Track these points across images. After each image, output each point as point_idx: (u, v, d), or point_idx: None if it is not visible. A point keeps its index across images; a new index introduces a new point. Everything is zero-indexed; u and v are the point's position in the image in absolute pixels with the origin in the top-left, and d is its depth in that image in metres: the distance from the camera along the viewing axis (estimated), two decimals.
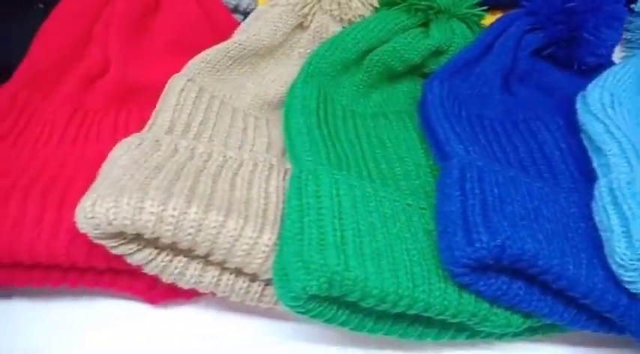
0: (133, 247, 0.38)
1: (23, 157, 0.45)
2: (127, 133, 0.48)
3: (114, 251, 0.38)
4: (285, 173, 0.44)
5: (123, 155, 0.40)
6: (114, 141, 0.47)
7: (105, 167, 0.40)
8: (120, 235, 0.37)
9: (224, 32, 0.56)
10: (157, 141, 0.41)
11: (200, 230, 0.36)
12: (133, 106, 0.51)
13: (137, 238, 0.37)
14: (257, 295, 0.40)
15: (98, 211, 0.34)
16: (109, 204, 0.35)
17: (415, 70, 0.53)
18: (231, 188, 0.40)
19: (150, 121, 0.45)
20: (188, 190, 0.37)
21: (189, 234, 0.36)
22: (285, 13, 0.50)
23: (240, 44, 0.49)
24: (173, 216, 0.35)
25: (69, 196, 0.42)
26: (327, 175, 0.38)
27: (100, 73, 0.52)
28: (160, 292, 0.44)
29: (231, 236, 0.36)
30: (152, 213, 0.35)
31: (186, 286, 0.40)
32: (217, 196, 0.39)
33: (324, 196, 0.36)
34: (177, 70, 0.50)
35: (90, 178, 0.42)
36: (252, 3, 0.58)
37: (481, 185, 0.36)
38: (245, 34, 0.49)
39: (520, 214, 0.36)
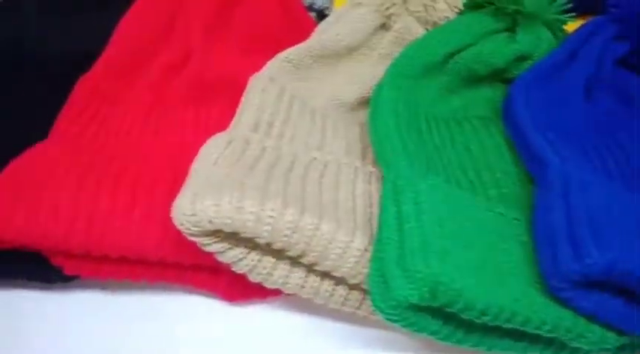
0: (225, 245, 0.37)
1: (107, 147, 0.46)
2: (206, 128, 0.49)
3: (206, 249, 0.38)
4: (370, 177, 0.43)
5: (214, 153, 0.39)
6: (195, 134, 0.48)
7: (197, 164, 0.39)
8: (214, 233, 0.36)
9: (300, 30, 0.55)
10: (246, 140, 0.41)
11: (295, 232, 0.35)
12: (211, 99, 0.51)
13: (230, 236, 0.37)
14: (341, 299, 0.40)
15: (199, 208, 0.34)
16: (209, 202, 0.34)
17: (496, 76, 0.52)
18: (320, 190, 0.40)
19: (234, 119, 0.44)
20: (282, 191, 0.37)
21: (285, 235, 0.35)
22: (369, 14, 0.49)
23: (322, 44, 0.48)
24: (271, 217, 0.35)
25: (157, 190, 0.42)
26: (425, 181, 0.37)
27: (181, 65, 0.52)
28: (238, 291, 0.44)
29: (325, 239, 0.36)
30: (252, 212, 0.34)
31: (272, 287, 0.39)
32: (308, 197, 0.38)
33: (424, 202, 0.35)
34: (255, 66, 0.50)
35: (176, 173, 0.43)
36: (327, 2, 0.58)
37: (586, 197, 0.35)
38: (327, 33, 0.49)
39: (628, 228, 0.34)
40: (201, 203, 0.34)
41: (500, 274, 0.35)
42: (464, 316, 0.34)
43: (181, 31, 0.53)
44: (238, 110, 0.45)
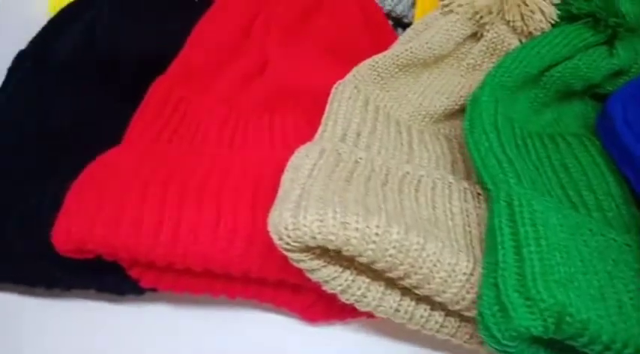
0: (319, 262, 0.35)
1: (184, 157, 0.44)
2: (284, 137, 0.47)
3: (298, 265, 0.35)
4: (465, 193, 0.40)
5: (307, 164, 0.37)
6: (272, 144, 0.46)
7: (290, 175, 0.37)
8: (311, 250, 0.34)
9: (381, 38, 0.53)
10: (338, 151, 0.39)
11: (401, 252, 0.33)
12: (289, 109, 0.49)
13: (324, 253, 0.35)
14: (437, 326, 0.37)
15: (302, 223, 0.32)
16: (313, 216, 0.32)
17: (587, 90, 0.49)
18: (417, 207, 0.37)
19: (321, 128, 0.42)
20: (383, 207, 0.34)
21: (390, 255, 0.33)
22: (460, 22, 0.47)
23: (411, 52, 0.46)
24: (377, 234, 0.32)
25: (240, 202, 0.40)
26: (540, 201, 0.34)
27: (257, 73, 0.50)
28: (319, 311, 0.41)
29: (430, 261, 0.33)
30: (357, 229, 0.32)
31: (364, 309, 0.37)
32: (408, 214, 0.36)
33: (542, 225, 0.33)
34: (334, 74, 0.48)
35: (256, 185, 0.41)
36: (407, 9, 0.55)
37: None
38: (416, 42, 0.47)
39: None
40: (304, 217, 0.32)
41: (621, 305, 0.32)
42: (585, 349, 0.31)
43: (259, 37, 0.51)
44: (324, 119, 0.43)
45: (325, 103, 0.46)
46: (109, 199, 0.38)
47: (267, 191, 0.41)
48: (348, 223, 0.32)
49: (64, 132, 0.49)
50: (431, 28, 0.47)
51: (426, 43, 0.46)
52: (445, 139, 0.47)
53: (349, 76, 0.46)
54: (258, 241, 0.38)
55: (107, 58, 0.52)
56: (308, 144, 0.40)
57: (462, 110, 0.48)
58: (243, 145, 0.46)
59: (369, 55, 0.50)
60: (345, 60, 0.51)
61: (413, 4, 0.56)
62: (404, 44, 0.47)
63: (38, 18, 0.55)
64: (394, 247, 0.33)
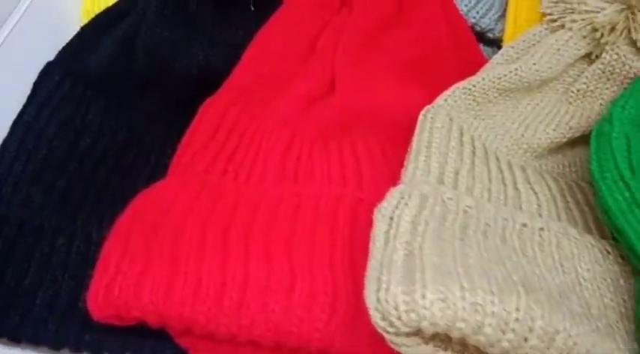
0: (419, 342, 0.27)
1: (243, 195, 0.36)
2: (357, 172, 0.39)
3: (397, 348, 0.27)
4: (593, 252, 0.33)
5: (407, 216, 0.30)
6: (344, 181, 0.38)
7: (382, 228, 0.29)
8: (420, 333, 0.26)
9: (465, 55, 0.46)
10: (442, 198, 0.31)
11: (543, 341, 0.25)
12: (360, 135, 0.42)
13: (435, 337, 0.27)
14: None
15: (421, 304, 0.24)
16: (434, 296, 0.24)
17: None
18: (547, 273, 0.29)
19: (410, 165, 0.35)
20: (514, 278, 0.27)
21: (531, 346, 0.25)
22: (574, 40, 0.39)
23: (516, 75, 0.39)
24: (517, 320, 0.25)
25: (317, 258, 0.32)
26: None
27: (324, 94, 0.43)
28: None
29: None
30: (493, 313, 0.24)
31: None
32: (540, 285, 0.28)
33: None
34: (416, 96, 0.41)
35: (334, 234, 0.33)
36: (493, 22, 0.48)
37: None
38: (522, 62, 0.39)
39: None
40: (422, 296, 0.24)
41: None
42: None
43: (325, 52, 0.43)
44: (413, 153, 0.36)
45: (403, 128, 0.39)
46: (158, 250, 0.31)
47: (347, 242, 0.34)
48: (480, 304, 0.24)
49: (99, 155, 0.42)
50: (537, 47, 0.40)
51: (534, 64, 0.39)
52: (551, 179, 0.39)
53: (440, 101, 0.39)
54: (342, 309, 0.30)
55: (148, 73, 0.45)
56: (401, 187, 0.32)
57: (568, 144, 0.41)
58: (310, 178, 0.39)
59: (453, 74, 0.43)
60: (426, 79, 0.44)
61: (500, 17, 0.48)
62: (506, 65, 0.39)
63: (69, 24, 0.48)
64: (537, 337, 0.25)
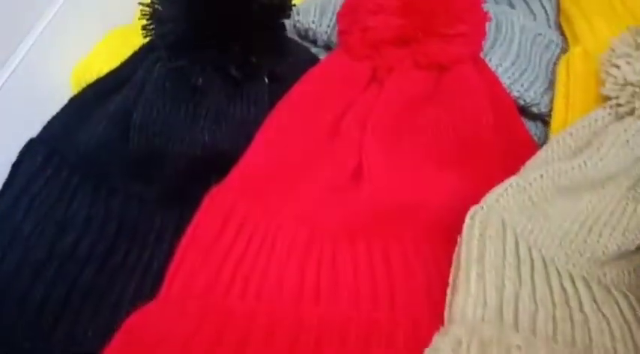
0: None
1: (256, 325, 0.30)
2: (391, 288, 0.33)
3: None
4: None
5: None
6: (375, 300, 0.32)
7: None
8: None
9: (511, 136, 0.40)
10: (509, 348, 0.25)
11: None
12: (392, 234, 0.36)
13: None
14: None
15: None
16: None
17: None
18: None
19: (461, 290, 0.29)
20: None
21: None
22: None
23: (580, 171, 0.33)
24: None
25: None
26: None
27: (348, 184, 0.37)
28: None
29: None
30: None
31: None
32: None
33: None
34: (457, 187, 0.35)
35: None
36: (539, 97, 0.42)
37: None
38: (587, 155, 0.33)
39: None
40: None
41: None
42: None
43: (351, 135, 0.37)
44: (461, 270, 0.30)
45: (443, 224, 0.34)
46: None
47: None
48: None
49: (84, 254, 0.36)
50: (603, 137, 0.34)
51: (600, 160, 0.33)
52: (620, 295, 0.33)
53: (490, 201, 0.33)
54: None
55: (144, 154, 0.39)
56: (455, 329, 0.26)
57: (638, 250, 0.35)
58: (334, 294, 0.33)
59: (497, 157, 0.37)
60: (467, 164, 0.38)
61: (546, 90, 0.43)
62: (567, 160, 0.34)
63: (56, 94, 0.42)
64: None
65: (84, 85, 0.42)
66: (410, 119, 0.38)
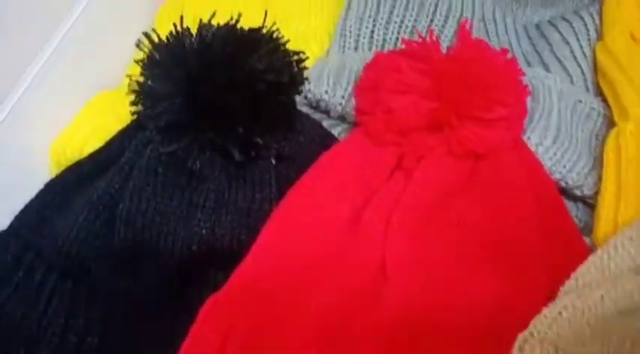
0: None
1: None
2: None
3: None
4: None
5: None
6: None
7: None
8: None
9: (554, 225, 0.34)
10: None
11: None
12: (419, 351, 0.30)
13: None
14: None
15: None
16: None
17: None
18: None
19: None
20: None
21: None
22: None
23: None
24: None
25: None
26: None
27: (369, 290, 0.31)
28: None
29: None
30: None
31: None
32: None
33: None
34: (498, 292, 0.30)
35: None
36: (582, 179, 0.37)
37: None
38: None
39: None
40: None
41: None
42: None
43: (373, 230, 0.32)
44: None
45: (479, 341, 0.30)
46: None
47: None
48: None
49: None
50: None
51: None
52: None
53: (541, 326, 0.27)
54: None
55: (132, 249, 0.33)
56: None
57: None
58: None
59: (539, 253, 0.33)
60: (506, 263, 0.33)
61: (590, 171, 0.38)
62: (631, 277, 0.28)
63: (31, 177, 0.36)
64: None
65: (64, 163, 0.37)
66: (441, 213, 0.32)
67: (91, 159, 0.35)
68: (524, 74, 0.35)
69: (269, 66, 0.31)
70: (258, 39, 0.32)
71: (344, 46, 0.46)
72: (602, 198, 0.36)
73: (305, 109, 0.39)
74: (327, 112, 0.39)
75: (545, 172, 0.35)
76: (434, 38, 0.34)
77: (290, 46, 0.35)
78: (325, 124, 0.39)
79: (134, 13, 0.50)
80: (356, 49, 0.45)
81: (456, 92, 0.31)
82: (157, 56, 0.31)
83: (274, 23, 0.34)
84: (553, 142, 0.37)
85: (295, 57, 0.33)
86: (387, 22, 0.45)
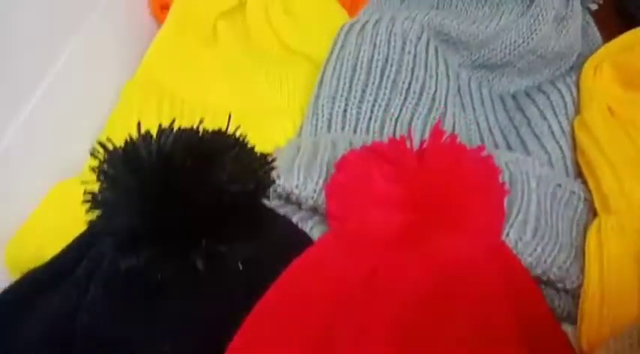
0: None
1: None
2: None
3: None
4: None
5: None
6: None
7: None
8: None
9: (537, 333, 0.33)
10: None
11: None
12: None
13: None
14: None
15: None
16: None
17: None
18: None
19: None
20: None
21: None
22: None
23: None
24: None
25: None
26: None
27: None
28: None
29: None
30: None
31: None
32: None
33: None
34: None
35: None
36: (564, 273, 0.35)
37: None
38: None
39: None
40: None
41: None
42: None
43: (345, 344, 0.30)
44: None
45: None
46: None
47: None
48: None
49: None
50: None
51: None
52: None
53: None
54: None
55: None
56: None
57: None
58: None
59: None
60: None
61: (572, 264, 0.36)
62: None
63: None
64: None
65: (21, 267, 0.34)
66: (414, 324, 0.31)
67: (47, 268, 0.33)
68: (500, 172, 0.34)
69: (234, 176, 0.29)
70: (221, 146, 0.30)
71: (316, 126, 0.44)
72: (585, 294, 0.35)
73: (275, 202, 0.37)
74: (298, 204, 0.38)
75: (524, 271, 0.34)
76: (406, 144, 0.32)
77: (257, 146, 0.33)
78: (296, 217, 0.37)
79: (99, 89, 0.49)
80: (329, 128, 0.44)
81: (430, 204, 0.30)
82: (112, 166, 0.29)
83: (238, 126, 0.32)
84: (532, 236, 0.35)
85: (262, 161, 0.31)
86: (360, 101, 0.44)
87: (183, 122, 0.48)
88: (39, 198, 0.39)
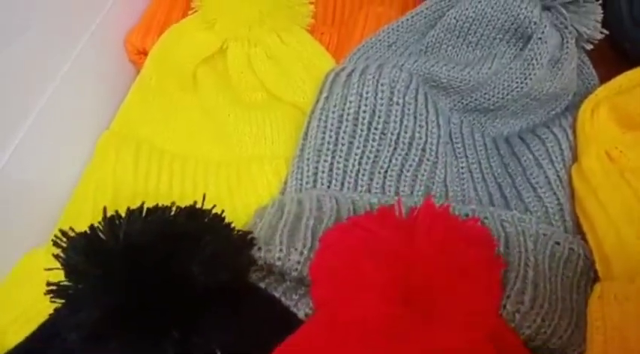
0: None
1: None
2: None
3: None
4: None
5: None
6: None
7: None
8: None
9: None
10: None
11: None
12: None
13: None
14: None
15: None
16: None
17: None
18: None
19: None
20: None
21: None
22: None
23: None
24: None
25: None
26: None
27: None
28: None
29: None
30: None
31: None
32: None
33: None
34: None
35: None
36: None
37: None
38: None
39: None
40: None
41: None
42: None
43: None
44: None
45: None
46: None
47: None
48: None
49: None
50: None
51: None
52: None
53: None
54: None
55: None
56: None
57: None
58: None
59: None
60: None
61: (573, 332, 0.34)
62: None
63: None
64: None
65: None
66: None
67: (36, 334, 0.31)
68: (497, 243, 0.32)
69: (207, 266, 0.27)
70: (195, 230, 0.28)
71: (301, 181, 0.42)
72: None
73: (257, 274, 0.35)
74: (282, 275, 0.35)
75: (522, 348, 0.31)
76: (395, 215, 0.30)
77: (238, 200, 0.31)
78: (280, 289, 0.35)
79: (74, 141, 0.47)
80: (314, 184, 0.42)
81: (421, 295, 0.27)
82: (75, 256, 0.27)
83: (214, 206, 0.30)
84: (531, 306, 0.33)
85: (241, 242, 0.29)
86: (347, 154, 0.42)
87: (163, 174, 0.46)
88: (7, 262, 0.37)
